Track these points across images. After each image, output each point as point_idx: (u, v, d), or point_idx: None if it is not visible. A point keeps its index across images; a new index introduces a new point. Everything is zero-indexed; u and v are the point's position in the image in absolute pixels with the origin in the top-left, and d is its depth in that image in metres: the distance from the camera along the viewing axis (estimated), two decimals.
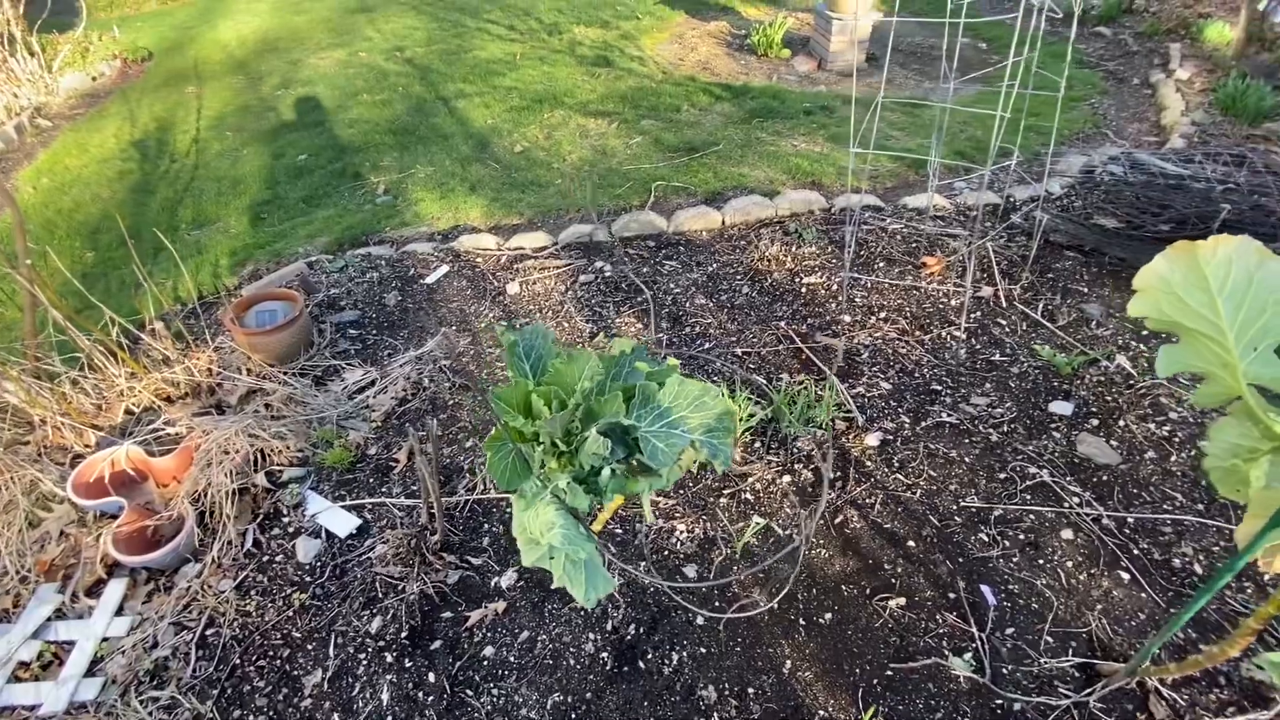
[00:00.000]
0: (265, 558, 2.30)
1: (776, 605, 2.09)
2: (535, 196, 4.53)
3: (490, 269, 3.77)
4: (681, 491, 2.45)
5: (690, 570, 2.22)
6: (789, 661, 1.96)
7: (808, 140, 5.15)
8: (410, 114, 5.88)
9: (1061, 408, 2.61)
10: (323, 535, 2.36)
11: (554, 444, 1.44)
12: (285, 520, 2.42)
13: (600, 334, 3.25)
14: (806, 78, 6.53)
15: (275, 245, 4.16)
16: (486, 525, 2.38)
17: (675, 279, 3.59)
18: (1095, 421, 2.58)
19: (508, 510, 2.42)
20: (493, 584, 2.19)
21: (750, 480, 2.47)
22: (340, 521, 2.39)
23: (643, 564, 2.22)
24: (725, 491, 2.44)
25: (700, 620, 2.06)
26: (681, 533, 2.32)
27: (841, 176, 4.47)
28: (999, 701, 1.82)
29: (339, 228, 4.27)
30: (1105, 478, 2.37)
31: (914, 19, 4.73)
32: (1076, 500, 2.29)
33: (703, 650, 1.99)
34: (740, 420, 2.57)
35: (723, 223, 4.02)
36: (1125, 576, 2.09)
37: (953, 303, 3.20)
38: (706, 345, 3.13)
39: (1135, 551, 2.15)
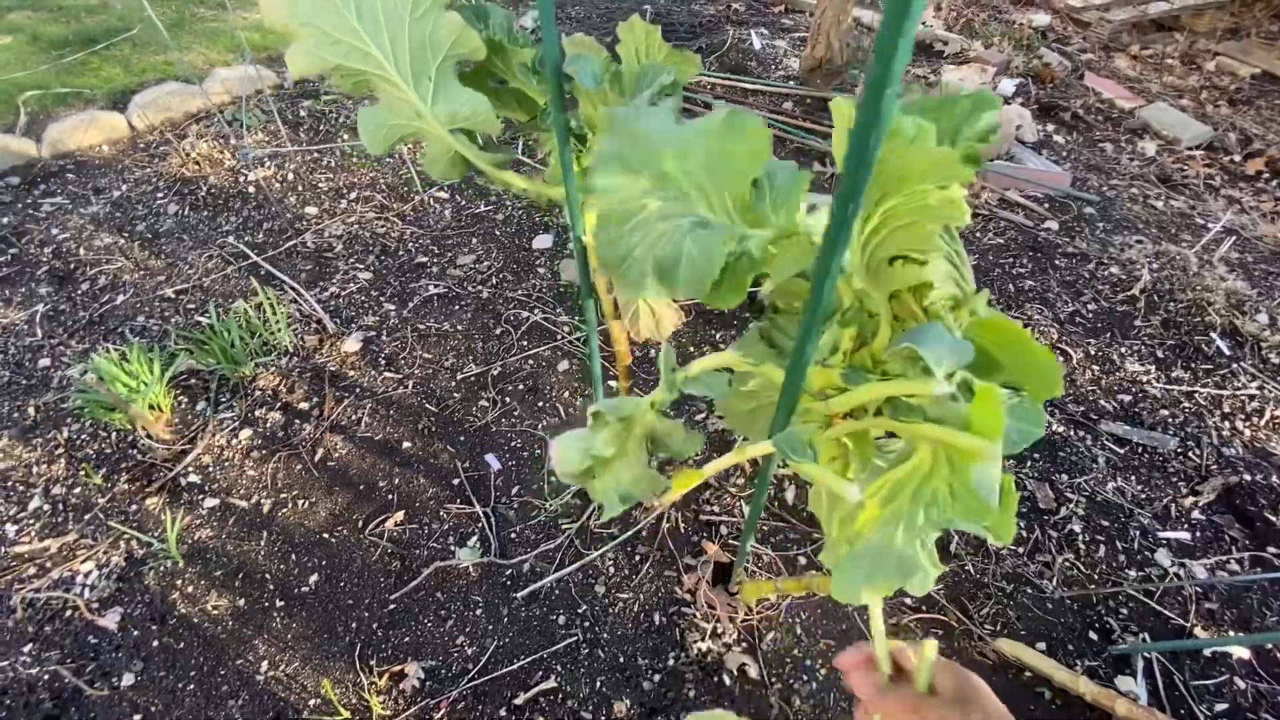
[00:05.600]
0: None
1: (243, 603, 1.58)
2: None
3: None
4: (72, 525, 1.69)
5: (112, 617, 1.54)
6: (264, 664, 1.49)
7: None
8: None
9: (543, 241, 2.49)
10: None
11: None
12: None
13: None
14: None
15: None
16: None
17: (61, 221, 2.49)
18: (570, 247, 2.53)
19: None
20: None
21: (193, 455, 1.82)
22: None
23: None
24: (151, 488, 1.75)
25: (124, 684, 1.45)
26: (87, 575, 1.60)
27: None
28: (509, 571, 1.64)
29: None
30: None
31: None
32: (567, 329, 2.21)
33: (150, 686, 1.40)
34: (156, 380, 1.85)
35: (131, 127, 2.92)
36: (614, 385, 2.08)
37: None
38: (119, 299, 2.23)
39: None
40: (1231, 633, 1.57)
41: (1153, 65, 3.99)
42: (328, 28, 0.79)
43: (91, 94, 3.26)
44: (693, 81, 3.20)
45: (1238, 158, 3.24)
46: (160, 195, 2.61)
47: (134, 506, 1.73)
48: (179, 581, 1.61)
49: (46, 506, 1.73)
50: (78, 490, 1.76)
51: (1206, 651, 1.53)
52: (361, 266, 2.37)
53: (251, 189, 2.63)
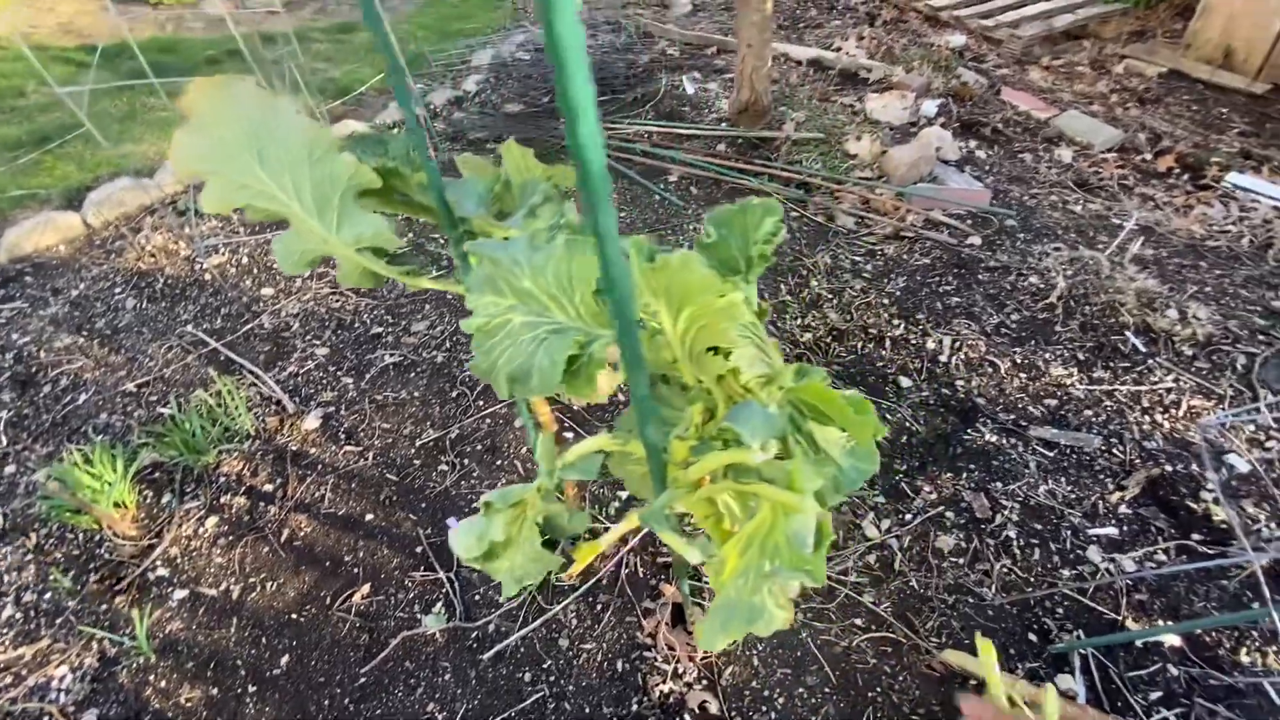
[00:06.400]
0: None
1: (216, 691, 1.62)
2: None
3: None
4: (45, 631, 1.73)
5: None
6: None
7: None
8: None
9: None
10: None
11: None
12: None
13: None
14: (220, 22, 5.40)
15: None
16: None
17: (20, 325, 2.55)
18: None
19: None
20: None
21: (160, 549, 1.87)
22: None
23: None
24: (120, 586, 1.80)
25: None
26: (61, 680, 1.63)
27: None
28: (475, 634, 1.70)
29: None
30: None
31: None
32: None
33: None
34: (120, 478, 1.90)
35: (87, 225, 3.00)
36: (570, 436, 2.16)
37: None
38: (81, 399, 2.28)
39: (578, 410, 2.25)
40: (1161, 622, 1.66)
41: (1064, 74, 4.23)
42: (234, 174, 0.89)
43: (46, 194, 3.34)
44: (630, 132, 3.35)
45: (1149, 156, 3.44)
46: (118, 290, 2.68)
47: (104, 606, 1.77)
48: (151, 677, 1.64)
49: (19, 615, 1.77)
50: (48, 595, 1.79)
51: (1139, 643, 1.62)
52: (318, 342, 2.45)
53: (208, 276, 2.72)
